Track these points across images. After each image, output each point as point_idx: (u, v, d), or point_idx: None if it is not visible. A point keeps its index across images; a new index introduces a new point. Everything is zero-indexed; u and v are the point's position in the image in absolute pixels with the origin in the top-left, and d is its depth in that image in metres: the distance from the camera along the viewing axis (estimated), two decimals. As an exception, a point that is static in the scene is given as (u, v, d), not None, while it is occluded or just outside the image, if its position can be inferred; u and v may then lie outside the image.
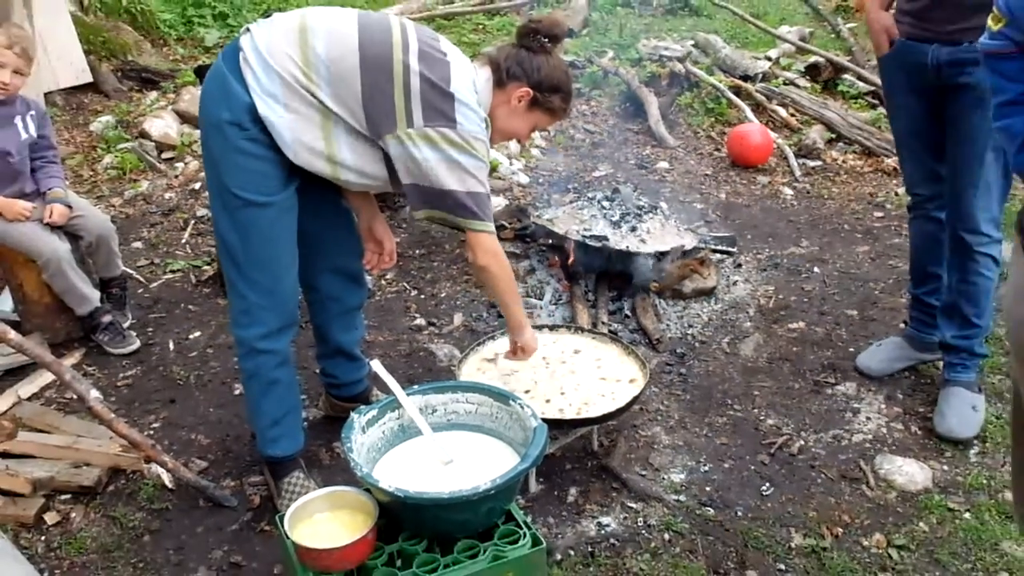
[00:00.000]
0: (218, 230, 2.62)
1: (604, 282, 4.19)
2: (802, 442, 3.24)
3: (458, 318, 4.07)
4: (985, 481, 3.02)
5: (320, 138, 2.46)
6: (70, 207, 3.71)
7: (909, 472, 3.05)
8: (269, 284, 2.62)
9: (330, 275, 2.95)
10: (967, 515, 2.88)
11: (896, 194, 5.46)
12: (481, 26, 8.52)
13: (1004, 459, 3.13)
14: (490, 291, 2.84)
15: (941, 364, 3.43)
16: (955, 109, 3.05)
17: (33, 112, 3.72)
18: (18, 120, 3.64)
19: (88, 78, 6.38)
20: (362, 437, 2.38)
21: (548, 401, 2.99)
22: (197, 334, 3.96)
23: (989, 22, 1.91)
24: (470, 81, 2.50)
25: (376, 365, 2.60)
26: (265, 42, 2.43)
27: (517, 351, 2.97)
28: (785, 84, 6.97)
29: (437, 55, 2.47)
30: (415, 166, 2.44)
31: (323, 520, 2.28)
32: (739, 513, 2.90)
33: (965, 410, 3.21)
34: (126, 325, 3.93)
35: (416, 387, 2.55)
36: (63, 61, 6.18)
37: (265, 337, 2.67)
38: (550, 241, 4.39)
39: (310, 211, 2.74)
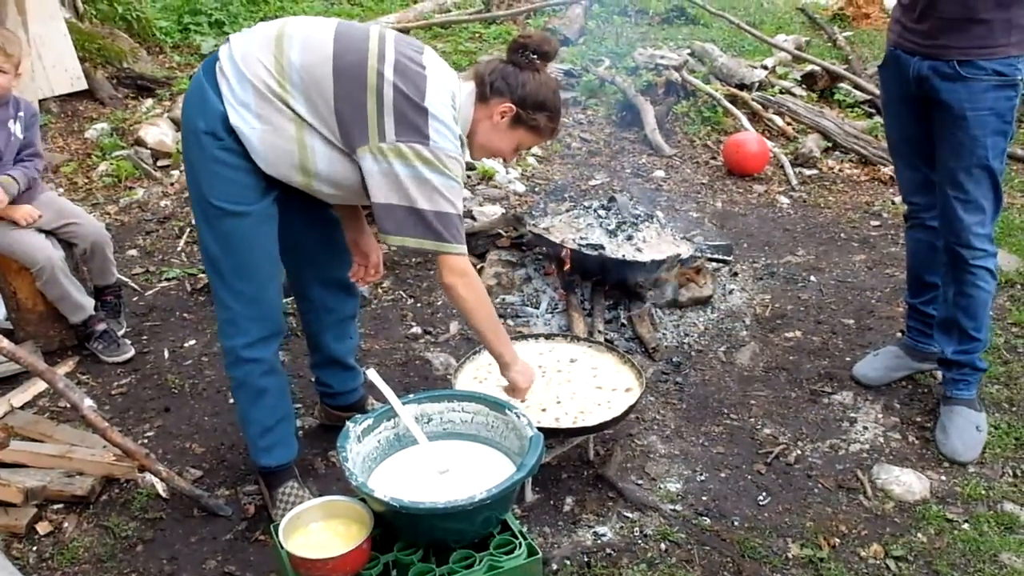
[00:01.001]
0: (201, 240, 2.61)
1: (600, 291, 4.19)
2: (799, 451, 3.23)
3: (454, 327, 4.06)
4: (984, 492, 3.00)
5: (294, 149, 2.42)
6: (10, 195, 3.57)
7: (907, 482, 3.04)
8: (252, 293, 2.61)
9: (321, 285, 2.94)
10: (966, 526, 2.87)
11: (893, 203, 5.46)
12: (478, 35, 8.54)
13: (1003, 469, 3.12)
14: (464, 316, 2.65)
15: (939, 375, 3.42)
16: (939, 124, 3.05)
17: (23, 113, 3.66)
18: (11, 124, 3.60)
19: (83, 85, 6.38)
20: (357, 446, 2.37)
21: (544, 410, 2.98)
22: (192, 342, 3.95)
23: None
24: (448, 96, 2.45)
25: (372, 374, 2.59)
26: (241, 51, 2.41)
27: (509, 390, 2.84)
28: (781, 93, 6.98)
29: (415, 67, 2.41)
30: (386, 182, 2.39)
31: (318, 530, 2.27)
32: (736, 523, 2.88)
33: (969, 430, 3.19)
34: (120, 333, 3.92)
35: (412, 396, 2.54)
36: (58, 68, 6.18)
37: (250, 346, 2.66)
38: (546, 250, 4.38)
39: (299, 221, 2.73)
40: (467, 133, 2.57)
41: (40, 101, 5.80)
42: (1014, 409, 3.42)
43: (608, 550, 2.76)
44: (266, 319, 2.66)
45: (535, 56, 2.54)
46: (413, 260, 4.58)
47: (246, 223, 2.51)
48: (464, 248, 2.50)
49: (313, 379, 3.25)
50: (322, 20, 2.50)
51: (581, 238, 4.10)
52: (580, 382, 3.12)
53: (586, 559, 2.72)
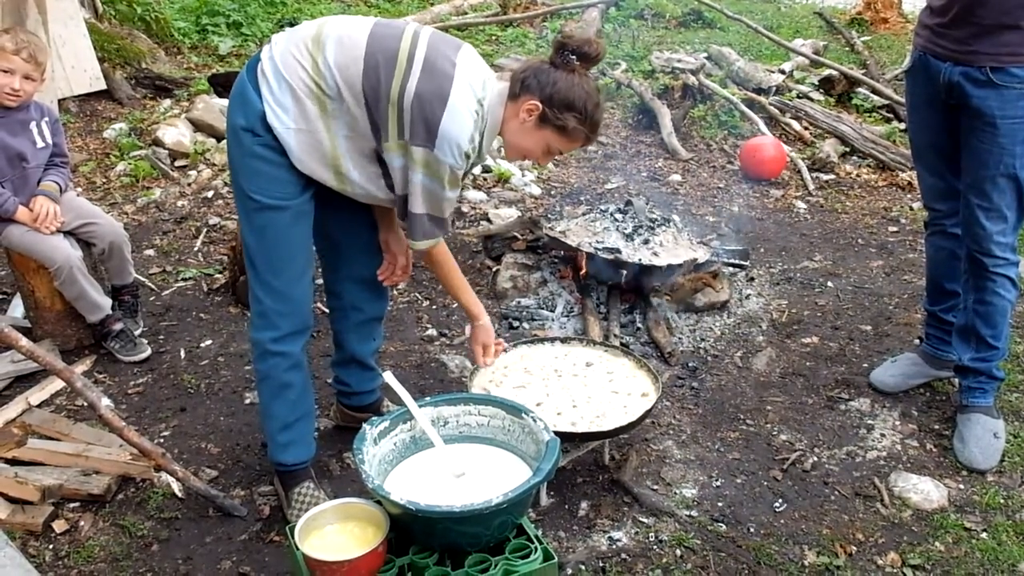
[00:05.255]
0: (240, 232, 2.69)
1: (616, 294, 4.18)
2: (815, 458, 3.21)
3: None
4: (1003, 501, 2.98)
5: (326, 150, 2.48)
6: (56, 202, 3.66)
7: (924, 490, 3.02)
8: (283, 288, 2.64)
9: (353, 284, 2.96)
10: (984, 535, 2.84)
11: (911, 208, 5.43)
12: (494, 37, 8.54)
13: (1022, 478, 3.09)
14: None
15: (957, 383, 3.40)
16: (967, 131, 3.02)
17: (47, 119, 3.72)
18: (33, 126, 3.64)
19: (102, 85, 6.42)
20: (373, 448, 2.37)
21: (559, 414, 2.97)
22: (208, 342, 3.96)
23: None
24: (473, 97, 2.44)
25: (388, 377, 2.60)
26: (280, 52, 2.46)
27: (479, 347, 3.03)
28: (799, 97, 6.97)
29: (445, 69, 2.42)
30: (400, 176, 2.49)
31: (333, 532, 2.27)
32: (751, 529, 2.87)
33: (986, 438, 3.17)
34: (137, 333, 3.93)
35: (428, 399, 2.55)
36: (77, 68, 6.22)
37: (278, 340, 2.69)
38: (562, 253, 4.38)
39: (337, 219, 2.78)
40: (499, 132, 2.59)
41: (59, 101, 5.84)
42: (1033, 418, 3.39)
43: (623, 555, 2.75)
44: (295, 314, 2.69)
45: (574, 57, 2.51)
46: (429, 262, 4.58)
47: (282, 217, 2.56)
48: (436, 240, 2.65)
49: (331, 378, 3.25)
50: (361, 19, 2.52)
51: (597, 242, 4.09)
52: (596, 386, 3.11)
53: (601, 564, 2.71)
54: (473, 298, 2.93)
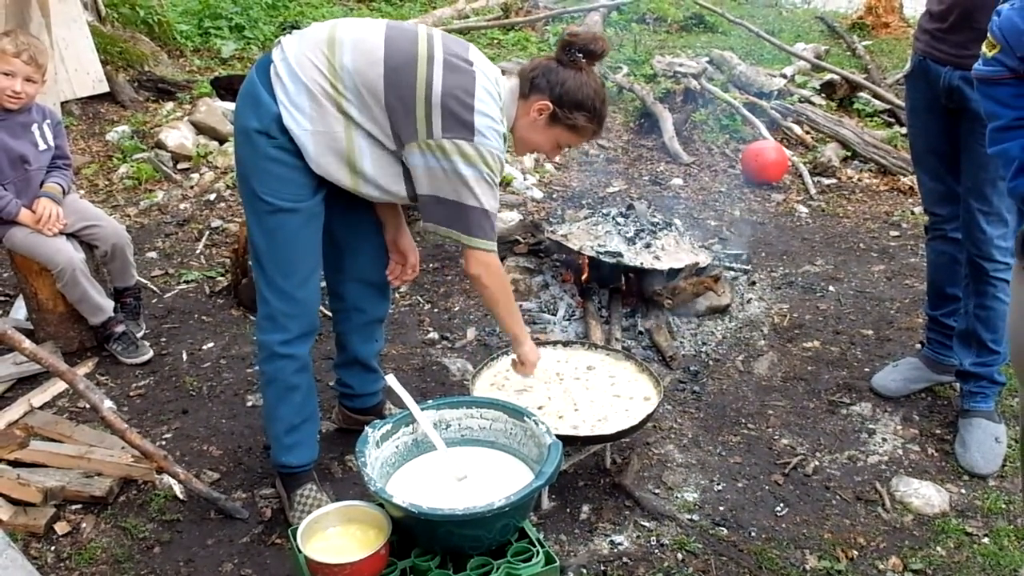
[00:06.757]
0: (249, 234, 2.68)
1: (618, 298, 4.18)
2: (817, 462, 3.21)
3: (471, 332, 4.06)
4: (1004, 506, 2.98)
5: (343, 150, 2.49)
6: (59, 204, 3.68)
7: (926, 495, 3.02)
8: (291, 290, 2.65)
9: (357, 285, 2.97)
10: (985, 540, 2.84)
11: (912, 213, 5.44)
12: (496, 41, 8.55)
13: None
14: (484, 302, 2.86)
15: (958, 387, 3.40)
16: (967, 134, 3.03)
17: (49, 121, 3.72)
18: (35, 129, 3.65)
19: (105, 88, 6.43)
20: (376, 451, 2.37)
21: (561, 417, 2.97)
22: (210, 345, 3.96)
23: (983, 48, 1.91)
24: (494, 92, 2.50)
25: (391, 379, 2.60)
26: (295, 54, 2.47)
27: (518, 365, 3.02)
28: (800, 101, 6.96)
29: (463, 65, 2.47)
30: (428, 175, 2.48)
31: (335, 534, 2.27)
32: (753, 534, 2.87)
33: (988, 442, 3.17)
34: (139, 335, 3.93)
35: (430, 402, 2.55)
36: (80, 71, 6.23)
37: (286, 343, 2.70)
38: (564, 256, 4.38)
39: (342, 220, 2.79)
40: (509, 128, 2.62)
41: (62, 103, 5.85)
42: (1035, 423, 3.39)
43: (624, 559, 2.75)
44: (303, 316, 2.70)
45: (580, 55, 2.55)
46: (430, 265, 4.58)
47: (294, 220, 2.57)
48: (490, 244, 2.59)
49: (333, 381, 3.26)
50: (372, 23, 2.54)
51: (599, 245, 4.10)
52: (598, 390, 3.11)
53: (602, 568, 2.71)
54: (521, 323, 2.93)
